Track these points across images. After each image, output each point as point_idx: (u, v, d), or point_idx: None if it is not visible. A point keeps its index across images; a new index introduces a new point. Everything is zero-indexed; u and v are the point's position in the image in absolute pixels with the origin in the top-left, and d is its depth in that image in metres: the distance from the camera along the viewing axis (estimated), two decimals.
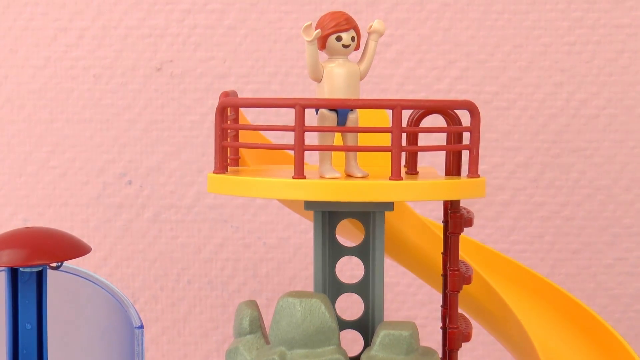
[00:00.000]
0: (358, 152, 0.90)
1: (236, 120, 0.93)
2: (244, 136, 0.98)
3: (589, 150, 1.38)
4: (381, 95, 1.39)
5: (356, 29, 0.86)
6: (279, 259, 1.43)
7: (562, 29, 1.38)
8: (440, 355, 0.90)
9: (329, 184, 0.83)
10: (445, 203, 0.92)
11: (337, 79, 0.86)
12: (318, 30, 0.85)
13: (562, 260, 1.40)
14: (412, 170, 0.91)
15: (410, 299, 1.43)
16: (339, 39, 0.86)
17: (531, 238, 1.40)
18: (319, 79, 0.86)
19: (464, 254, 1.03)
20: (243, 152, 0.96)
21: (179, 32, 1.40)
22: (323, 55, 0.88)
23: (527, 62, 1.38)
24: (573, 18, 1.37)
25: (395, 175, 0.82)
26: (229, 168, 0.92)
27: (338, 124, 0.86)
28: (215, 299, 1.44)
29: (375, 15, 1.38)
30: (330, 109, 0.85)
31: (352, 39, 0.86)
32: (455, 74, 1.39)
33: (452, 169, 0.90)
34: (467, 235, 1.36)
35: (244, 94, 1.39)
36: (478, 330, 1.27)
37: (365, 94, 1.37)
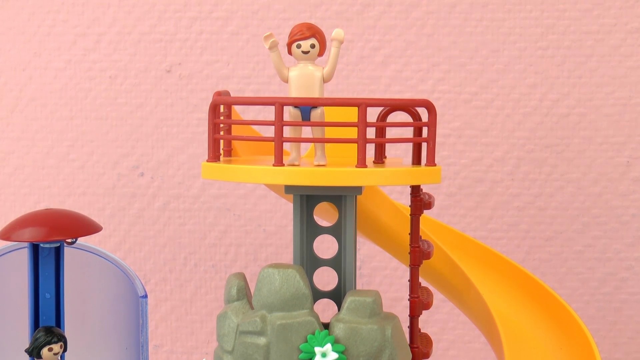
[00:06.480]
0: (335, 144, 0.97)
1: (229, 116, 1.00)
2: (238, 131, 1.04)
3: (560, 146, 1.40)
4: (370, 94, 1.41)
5: (317, 37, 0.93)
6: (277, 244, 1.46)
7: (536, 35, 1.39)
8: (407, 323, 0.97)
9: (304, 170, 0.90)
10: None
11: (295, 80, 0.94)
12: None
13: (536, 247, 1.42)
14: (379, 159, 0.97)
15: (397, 281, 1.46)
16: (298, 46, 0.93)
17: (508, 226, 1.42)
18: (285, 80, 0.94)
19: (436, 237, 1.09)
20: (235, 144, 1.02)
21: (187, 37, 1.43)
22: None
23: (504, 65, 1.40)
24: (545, 25, 1.39)
25: (361, 163, 0.89)
26: (222, 158, 0.98)
27: (303, 119, 0.93)
28: (220, 281, 1.47)
29: (365, 23, 1.40)
30: (294, 107, 0.93)
31: (312, 45, 0.93)
32: (438, 75, 1.41)
33: (414, 158, 0.97)
34: (450, 223, 1.42)
35: (246, 93, 1.42)
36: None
37: (356, 94, 1.43)
